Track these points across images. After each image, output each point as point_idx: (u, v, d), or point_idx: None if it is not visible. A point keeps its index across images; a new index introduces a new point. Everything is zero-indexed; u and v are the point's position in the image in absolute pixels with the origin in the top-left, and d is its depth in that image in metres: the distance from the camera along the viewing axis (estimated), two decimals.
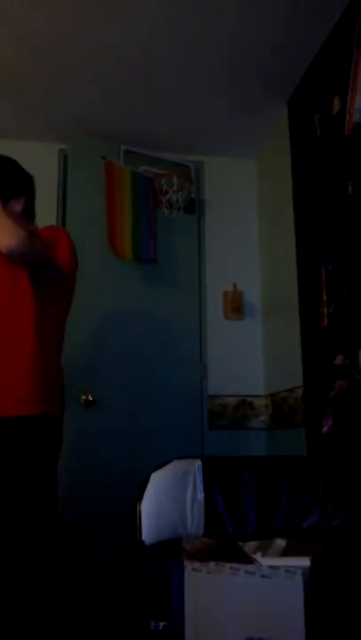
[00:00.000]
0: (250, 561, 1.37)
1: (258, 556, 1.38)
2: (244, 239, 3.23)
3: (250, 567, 1.30)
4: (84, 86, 2.68)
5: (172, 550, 1.38)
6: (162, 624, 1.28)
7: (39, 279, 1.75)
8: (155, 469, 1.41)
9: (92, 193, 2.89)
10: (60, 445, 1.78)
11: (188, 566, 1.29)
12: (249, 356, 3.07)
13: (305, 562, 1.30)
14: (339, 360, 2.21)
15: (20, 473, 1.63)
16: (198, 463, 1.43)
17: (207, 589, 1.28)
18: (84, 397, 2.68)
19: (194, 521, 1.37)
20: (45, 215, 3.03)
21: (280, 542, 1.52)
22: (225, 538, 1.41)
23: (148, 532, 1.34)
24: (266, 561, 1.35)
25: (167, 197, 3.00)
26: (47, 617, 1.64)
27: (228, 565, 1.29)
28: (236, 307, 3.10)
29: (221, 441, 2.92)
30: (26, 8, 2.20)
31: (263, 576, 1.28)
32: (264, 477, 1.46)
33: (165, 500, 1.38)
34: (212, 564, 1.30)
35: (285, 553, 1.48)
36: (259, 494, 1.43)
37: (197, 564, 1.29)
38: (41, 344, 1.73)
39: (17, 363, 1.69)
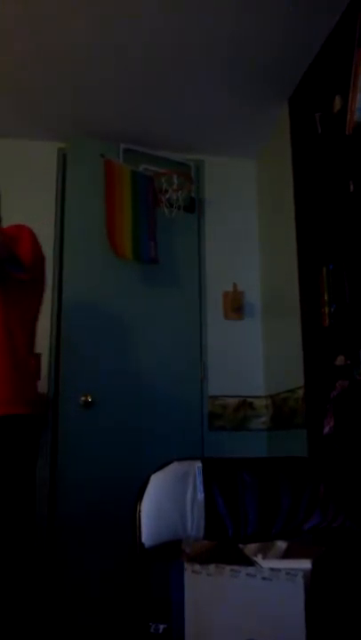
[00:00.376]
0: (250, 563, 1.36)
1: (258, 559, 1.38)
2: (244, 239, 3.22)
3: (250, 569, 1.29)
4: (84, 86, 2.68)
5: (172, 552, 1.37)
6: (162, 627, 1.27)
7: (4, 278, 1.74)
8: (155, 471, 1.40)
9: (92, 192, 2.88)
10: (36, 444, 1.79)
11: (188, 568, 1.29)
12: (249, 356, 3.07)
13: (306, 564, 1.29)
14: (340, 360, 2.20)
15: None
16: (198, 464, 1.42)
17: (207, 592, 1.27)
18: (83, 398, 2.67)
19: (194, 522, 1.37)
20: (45, 214, 3.04)
21: (281, 544, 1.51)
22: (225, 539, 1.40)
23: (147, 533, 1.33)
24: (266, 563, 1.34)
25: (167, 196, 2.99)
26: (25, 615, 1.64)
27: (229, 568, 1.28)
28: (236, 307, 3.09)
29: (221, 442, 2.91)
30: (26, 8, 2.19)
31: (264, 578, 1.27)
32: (264, 478, 1.45)
33: (165, 501, 1.37)
34: (212, 567, 1.29)
35: (286, 555, 1.47)
36: (259, 495, 1.42)
37: (197, 567, 1.29)
38: (10, 344, 1.73)
39: None
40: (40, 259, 1.85)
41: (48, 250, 2.98)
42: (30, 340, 1.87)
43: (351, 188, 2.16)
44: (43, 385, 2.84)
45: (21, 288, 1.79)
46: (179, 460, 1.42)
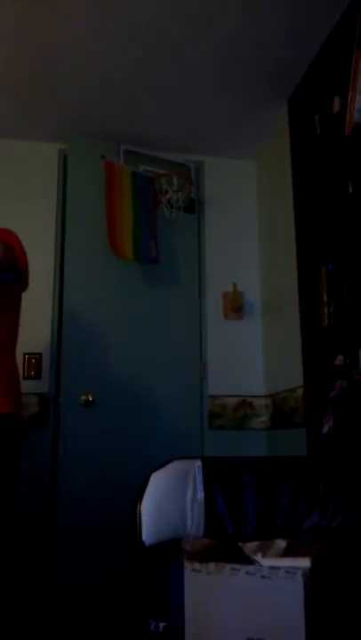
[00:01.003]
0: (250, 561, 1.37)
1: (258, 557, 1.38)
2: (244, 239, 3.23)
3: (250, 568, 1.30)
4: (84, 86, 2.68)
5: (172, 551, 1.38)
6: (162, 625, 1.28)
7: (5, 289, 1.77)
8: (155, 470, 1.40)
9: (93, 193, 2.89)
10: (20, 442, 1.82)
11: (188, 567, 1.29)
12: (249, 356, 3.07)
13: (305, 563, 1.30)
14: (339, 360, 2.21)
15: None
16: (198, 463, 1.42)
17: (207, 590, 1.27)
18: (84, 397, 2.68)
19: (194, 521, 1.37)
20: (46, 215, 3.04)
21: (280, 543, 1.51)
22: (225, 538, 1.40)
23: (148, 532, 1.34)
24: (266, 562, 1.35)
25: (167, 197, 2.99)
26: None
27: (229, 566, 1.29)
28: (236, 307, 3.10)
29: (221, 441, 2.91)
30: (26, 8, 2.20)
31: (263, 577, 1.27)
32: (264, 477, 1.46)
33: (165, 500, 1.37)
34: (212, 565, 1.29)
35: (286, 554, 1.47)
36: (259, 494, 1.43)
37: (197, 565, 1.29)
38: (2, 350, 1.80)
39: None
40: (27, 264, 1.88)
41: (49, 250, 3.01)
42: (15, 343, 1.92)
43: (350, 188, 2.17)
44: (43, 384, 2.85)
45: (8, 294, 1.81)
46: (179, 458, 1.43)
